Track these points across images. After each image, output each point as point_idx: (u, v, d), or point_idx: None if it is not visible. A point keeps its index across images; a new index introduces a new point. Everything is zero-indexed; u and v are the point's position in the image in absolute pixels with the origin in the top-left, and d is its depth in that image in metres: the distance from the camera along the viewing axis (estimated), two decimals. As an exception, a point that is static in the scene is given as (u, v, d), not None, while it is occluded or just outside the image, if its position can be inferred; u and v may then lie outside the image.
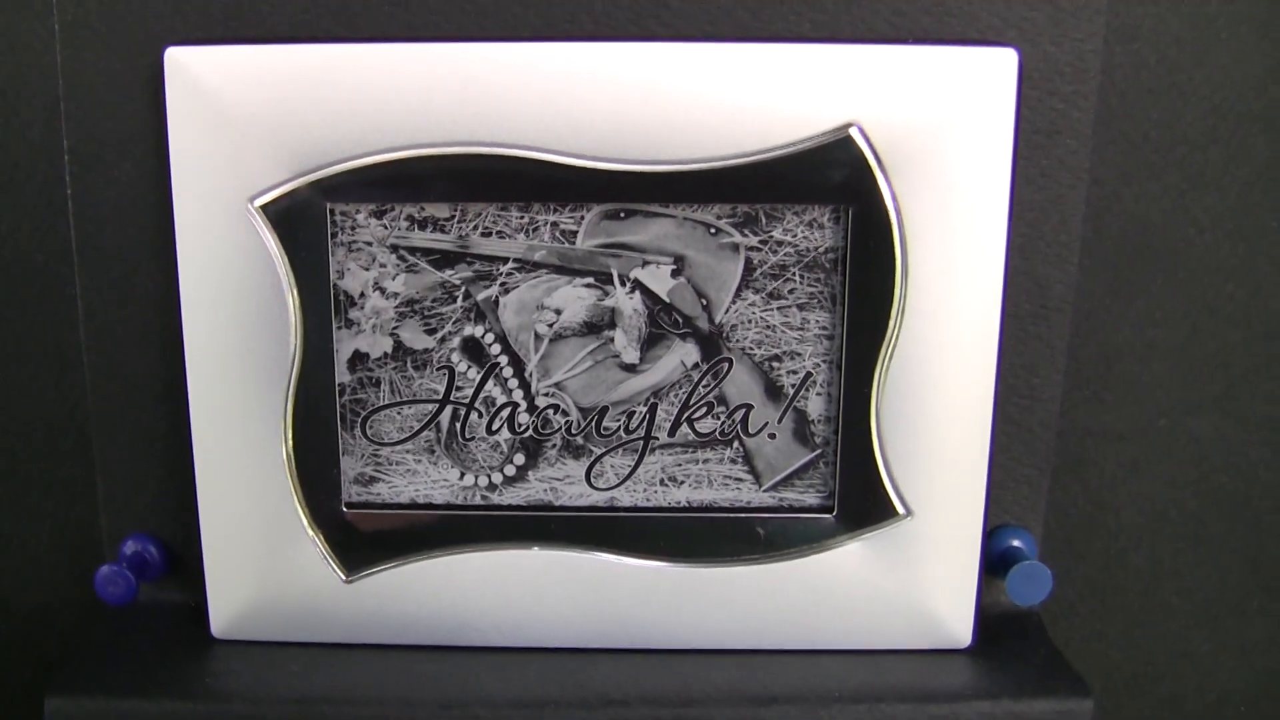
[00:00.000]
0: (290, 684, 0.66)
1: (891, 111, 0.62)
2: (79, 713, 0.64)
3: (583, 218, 0.64)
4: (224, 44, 0.61)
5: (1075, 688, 0.66)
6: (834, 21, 0.63)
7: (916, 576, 0.68)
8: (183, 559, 0.71)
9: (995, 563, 0.70)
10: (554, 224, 0.64)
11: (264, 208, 0.62)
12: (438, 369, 0.67)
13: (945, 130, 0.62)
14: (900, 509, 0.66)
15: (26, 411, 0.71)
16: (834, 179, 0.62)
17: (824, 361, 0.66)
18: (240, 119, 0.61)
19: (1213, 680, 0.77)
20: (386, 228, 0.64)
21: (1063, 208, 0.66)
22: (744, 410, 0.67)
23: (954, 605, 0.68)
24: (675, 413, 0.67)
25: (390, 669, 0.67)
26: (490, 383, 0.67)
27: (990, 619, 0.71)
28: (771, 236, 0.65)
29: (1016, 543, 0.71)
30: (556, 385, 0.67)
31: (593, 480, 0.68)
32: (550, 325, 0.66)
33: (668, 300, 0.66)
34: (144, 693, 0.65)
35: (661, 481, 0.68)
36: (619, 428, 0.68)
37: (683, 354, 0.67)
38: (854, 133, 0.62)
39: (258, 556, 0.68)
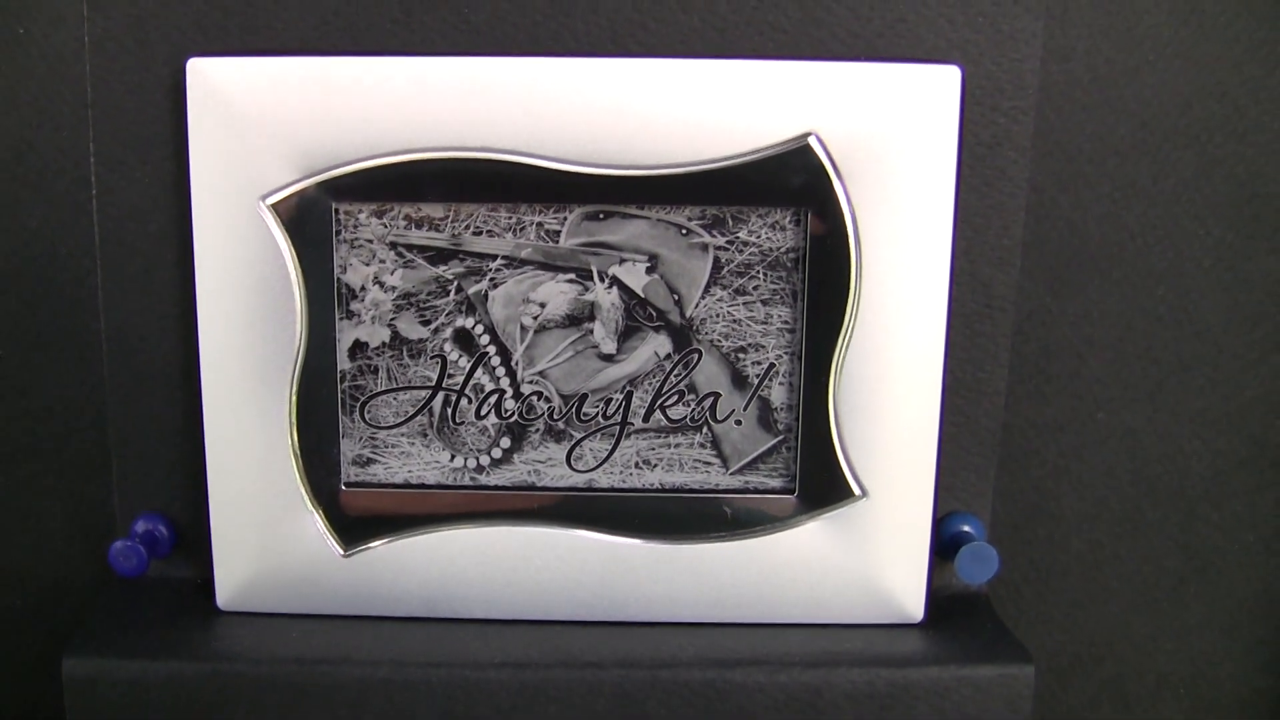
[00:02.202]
0: (290, 648, 0.71)
1: (847, 122, 0.67)
2: (94, 672, 0.69)
3: (565, 218, 0.70)
4: (242, 55, 0.67)
5: (1018, 655, 0.71)
6: (794, 40, 0.69)
7: (872, 554, 0.73)
8: (190, 537, 0.76)
9: (946, 547, 0.75)
10: (539, 224, 0.70)
11: (274, 206, 0.68)
12: (431, 358, 0.72)
13: (896, 140, 0.68)
14: (856, 490, 0.72)
15: (48, 395, 0.75)
16: (794, 184, 0.68)
17: (786, 353, 0.72)
18: (255, 123, 0.67)
19: (1152, 662, 0.81)
20: (386, 226, 0.70)
21: (1004, 214, 0.72)
22: (712, 398, 0.73)
23: (906, 582, 0.73)
24: (649, 400, 0.73)
25: (384, 635, 0.72)
26: (479, 371, 0.72)
27: (941, 600, 0.76)
28: (738, 237, 0.70)
29: (966, 528, 0.75)
30: (540, 373, 0.72)
31: (573, 463, 0.74)
32: (535, 318, 0.72)
33: (643, 295, 0.71)
34: (154, 654, 0.69)
35: (636, 464, 0.74)
36: (597, 414, 0.73)
37: (656, 345, 0.72)
38: (812, 141, 0.67)
39: (262, 532, 0.73)
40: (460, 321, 0.72)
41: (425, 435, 0.73)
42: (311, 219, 0.69)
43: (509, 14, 0.68)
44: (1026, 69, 0.70)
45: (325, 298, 0.70)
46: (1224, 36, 0.71)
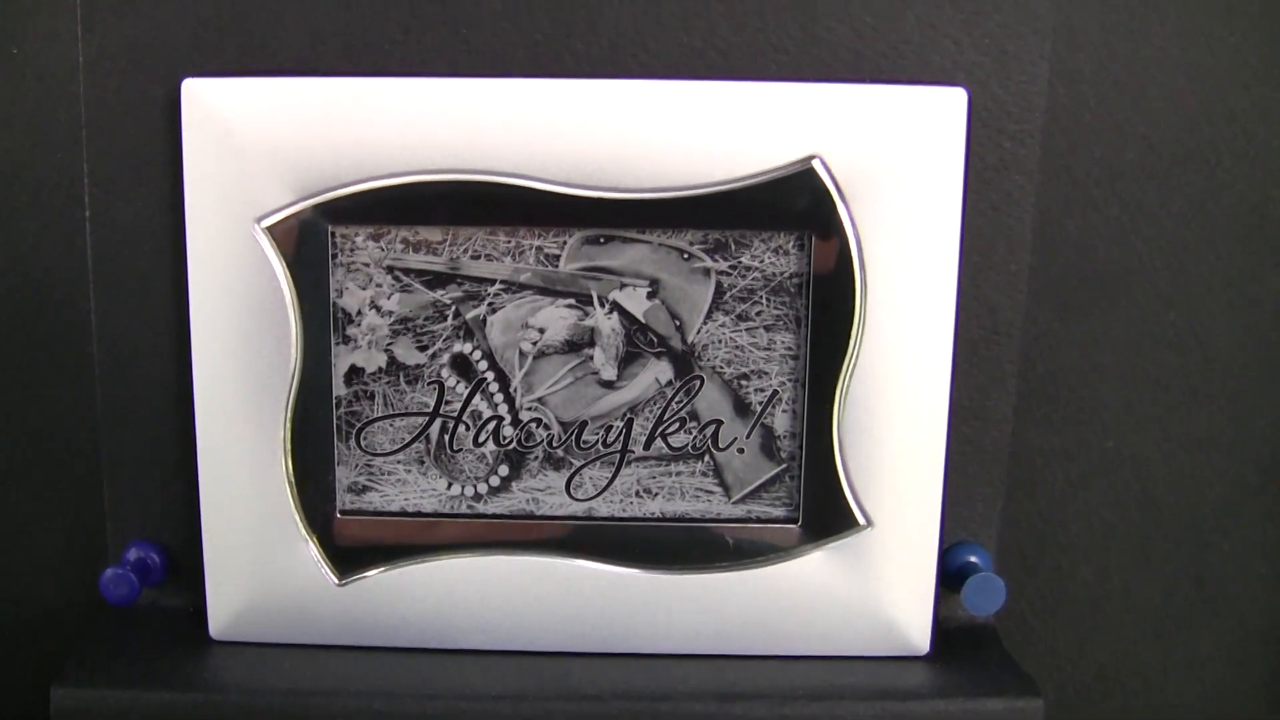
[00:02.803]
0: (283, 678, 0.69)
1: (851, 145, 0.67)
2: (83, 703, 0.67)
3: (565, 242, 0.69)
4: (237, 76, 0.66)
5: (1027, 688, 0.69)
6: (796, 62, 0.68)
7: (877, 585, 0.72)
8: (183, 566, 0.75)
9: (952, 577, 0.74)
10: (538, 248, 0.69)
11: (270, 229, 0.67)
12: (428, 384, 0.71)
13: (901, 163, 0.67)
14: (861, 519, 0.70)
15: (40, 419, 0.74)
16: (798, 207, 0.67)
17: (789, 380, 0.71)
18: (250, 145, 0.66)
19: (1162, 696, 0.80)
20: (383, 250, 0.69)
21: (1011, 238, 0.71)
22: (714, 426, 0.72)
23: (912, 613, 0.72)
24: (650, 427, 0.72)
25: (379, 666, 0.71)
26: (477, 397, 0.71)
27: (947, 632, 0.75)
28: (740, 262, 0.69)
29: (972, 558, 0.74)
30: (539, 400, 0.71)
31: (572, 491, 0.72)
32: (534, 343, 0.71)
33: (644, 321, 0.70)
34: (144, 685, 0.68)
35: (637, 493, 0.72)
36: (597, 441, 0.72)
37: (657, 372, 0.71)
38: (816, 164, 0.66)
39: (255, 560, 0.71)
40: (458, 347, 0.70)
41: (422, 462, 0.72)
42: (307, 242, 0.68)
43: (508, 35, 0.68)
44: (1033, 91, 0.69)
45: (321, 322, 0.69)
46: (1232, 58, 0.71)
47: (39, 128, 0.70)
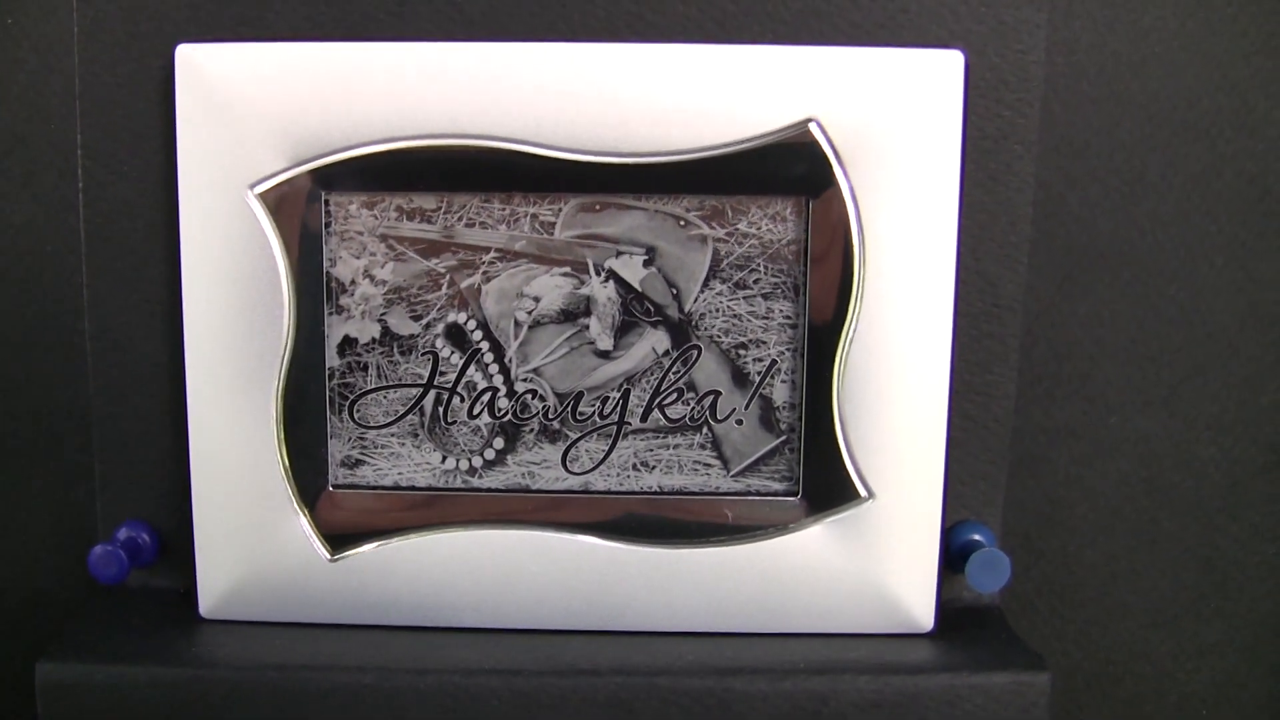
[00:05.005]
0: (273, 654, 0.68)
1: (848, 108, 0.66)
2: (68, 678, 0.66)
3: (560, 209, 0.69)
4: (231, 41, 0.66)
5: (1033, 662, 0.68)
6: (794, 31, 0.68)
7: (879, 560, 0.70)
8: (174, 547, 0.73)
9: (956, 557, 0.72)
10: (533, 215, 0.69)
11: (263, 195, 0.67)
12: (422, 354, 0.70)
13: (898, 127, 0.66)
14: (862, 491, 0.69)
15: (31, 398, 0.74)
16: (795, 171, 0.67)
17: (788, 349, 0.70)
18: (244, 110, 0.66)
19: (1172, 682, 0.78)
20: (377, 218, 0.69)
21: (1011, 210, 0.70)
22: (712, 397, 0.71)
23: (916, 588, 0.71)
24: (647, 399, 0.71)
25: (371, 643, 0.69)
26: (472, 368, 0.70)
27: (951, 614, 0.73)
28: (737, 229, 0.69)
29: (976, 537, 0.73)
30: (534, 371, 0.70)
31: (568, 464, 0.71)
32: (529, 312, 0.70)
33: (640, 289, 0.70)
34: (131, 660, 0.67)
35: (634, 466, 0.71)
36: (593, 413, 0.71)
37: (654, 341, 0.70)
38: (813, 128, 0.66)
39: (246, 536, 0.70)
40: (452, 316, 0.70)
41: (416, 435, 0.71)
42: (301, 210, 0.67)
43: (503, 3, 0.67)
44: (1031, 60, 0.68)
45: (314, 292, 0.69)
46: (1231, 28, 0.70)
47: (33, 102, 0.70)
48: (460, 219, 0.69)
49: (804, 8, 0.68)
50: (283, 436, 0.69)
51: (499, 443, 0.71)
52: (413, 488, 0.71)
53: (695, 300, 0.70)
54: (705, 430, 0.71)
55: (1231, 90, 0.71)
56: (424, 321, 0.70)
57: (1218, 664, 0.78)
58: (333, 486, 0.71)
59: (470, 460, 0.71)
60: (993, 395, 0.72)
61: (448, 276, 0.69)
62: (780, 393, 0.70)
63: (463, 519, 0.71)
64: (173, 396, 0.71)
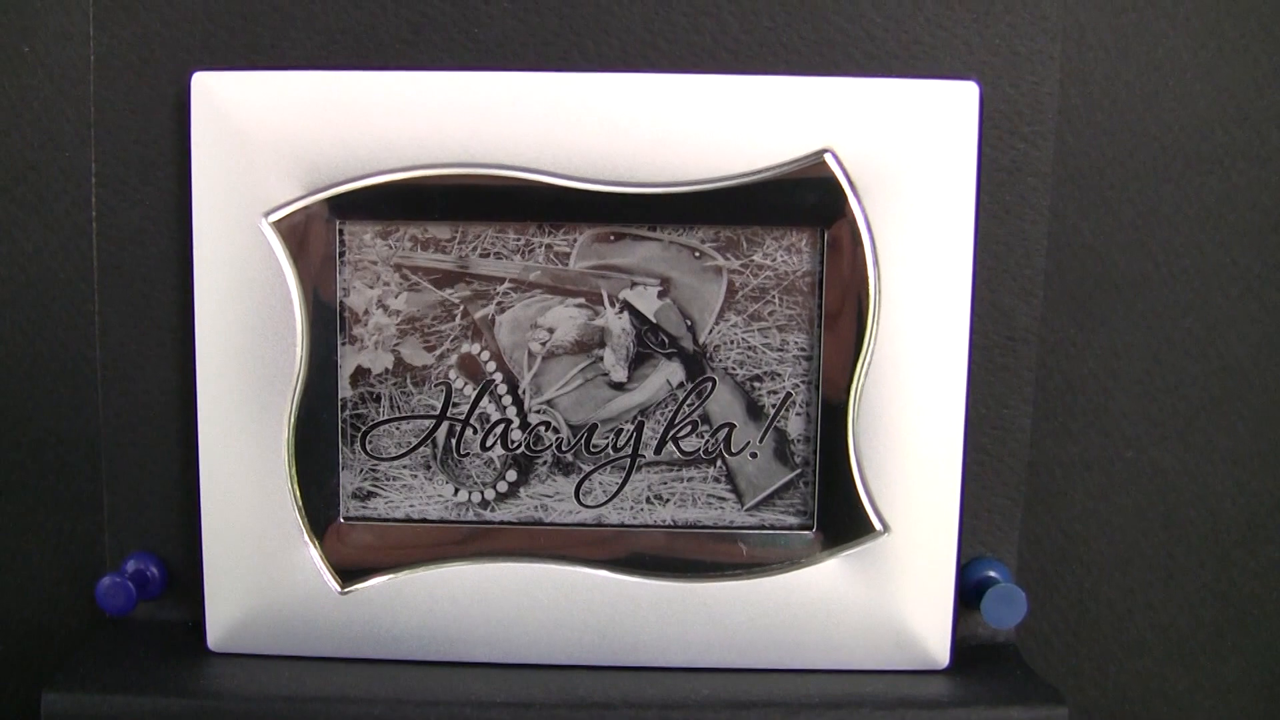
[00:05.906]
0: (282, 686, 0.67)
1: (863, 139, 0.66)
2: (74, 709, 0.65)
3: (575, 240, 0.68)
4: (247, 70, 0.66)
5: (1050, 696, 0.67)
6: (808, 63, 0.68)
7: (894, 595, 0.70)
8: (182, 580, 0.73)
9: (971, 593, 0.72)
10: (548, 246, 0.68)
11: (277, 224, 0.66)
12: (435, 385, 0.70)
13: (913, 157, 0.66)
14: (878, 525, 0.69)
15: (40, 427, 0.73)
16: (810, 201, 0.67)
17: (802, 382, 0.70)
18: (259, 138, 0.66)
19: (1190, 719, 0.77)
20: (391, 248, 0.68)
21: (1026, 241, 0.70)
22: (727, 429, 0.70)
23: (931, 623, 0.70)
24: (661, 431, 0.70)
25: (380, 676, 0.69)
26: (485, 399, 0.70)
27: (967, 649, 0.72)
28: (752, 260, 0.68)
29: (992, 573, 0.72)
30: (548, 402, 0.70)
31: (581, 497, 0.71)
32: (543, 344, 0.69)
33: (654, 321, 0.69)
34: (136, 691, 0.66)
35: (648, 499, 0.71)
36: (607, 445, 0.70)
37: (668, 373, 0.70)
38: (828, 158, 0.66)
39: (256, 567, 0.70)
40: (466, 347, 0.69)
41: (428, 467, 0.71)
42: (314, 238, 0.67)
43: (518, 32, 0.68)
44: (1045, 92, 0.68)
45: (327, 321, 0.68)
46: (1244, 59, 0.70)
47: (48, 129, 0.70)
48: (475, 249, 0.68)
49: (819, 38, 0.68)
50: (294, 468, 0.69)
51: (512, 475, 0.71)
52: (425, 520, 0.71)
53: (710, 332, 0.69)
54: (720, 463, 0.70)
55: (1245, 121, 0.71)
56: (437, 352, 0.69)
57: (1235, 700, 0.77)
58: (344, 519, 0.70)
59: (483, 493, 0.71)
60: (1008, 429, 0.72)
61: (462, 307, 0.69)
62: (795, 425, 0.70)
63: (475, 552, 0.70)
64: (183, 426, 0.71)
